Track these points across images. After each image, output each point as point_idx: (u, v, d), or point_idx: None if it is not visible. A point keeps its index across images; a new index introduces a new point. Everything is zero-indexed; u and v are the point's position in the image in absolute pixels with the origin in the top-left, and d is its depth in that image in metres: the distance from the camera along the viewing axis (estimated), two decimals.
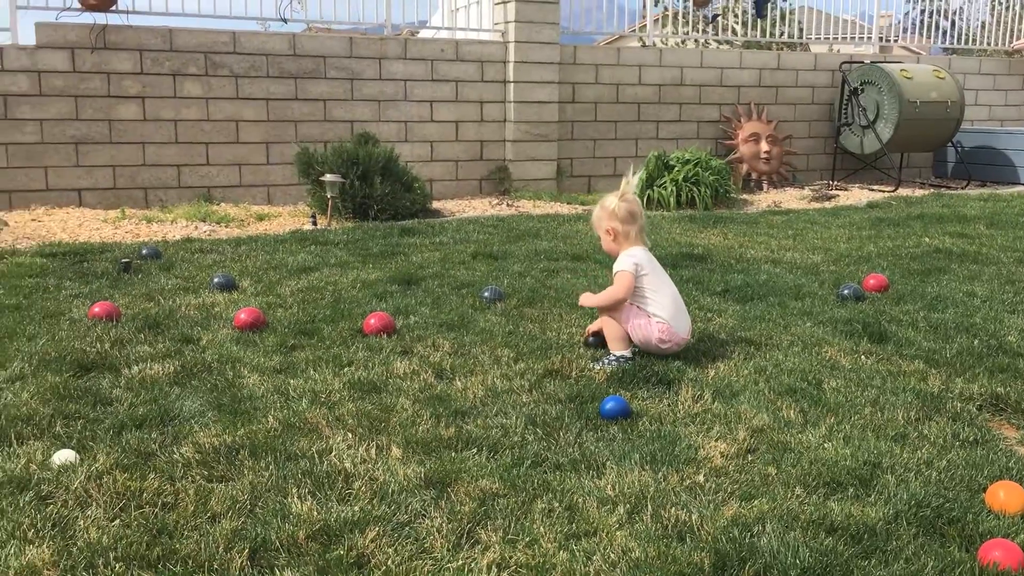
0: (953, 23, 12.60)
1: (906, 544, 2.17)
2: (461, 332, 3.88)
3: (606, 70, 9.22)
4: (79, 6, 7.29)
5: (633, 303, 3.55)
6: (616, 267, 3.57)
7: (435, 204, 7.99)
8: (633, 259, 3.53)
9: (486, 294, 4.46)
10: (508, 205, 8.14)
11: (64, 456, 2.56)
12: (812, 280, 4.96)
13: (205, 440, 2.71)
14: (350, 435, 2.78)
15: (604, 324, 3.60)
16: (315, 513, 2.27)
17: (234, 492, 2.38)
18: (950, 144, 10.26)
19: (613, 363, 3.46)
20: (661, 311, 3.52)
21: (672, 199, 7.97)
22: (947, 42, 12.27)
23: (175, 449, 2.65)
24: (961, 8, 13.18)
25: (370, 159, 7.03)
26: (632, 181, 3.59)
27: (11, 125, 7.16)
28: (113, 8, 7.39)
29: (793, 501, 2.36)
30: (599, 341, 3.69)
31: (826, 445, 2.73)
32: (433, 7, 10.16)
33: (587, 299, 3.65)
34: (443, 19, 9.87)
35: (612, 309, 3.55)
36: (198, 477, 2.48)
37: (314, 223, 6.90)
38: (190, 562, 2.06)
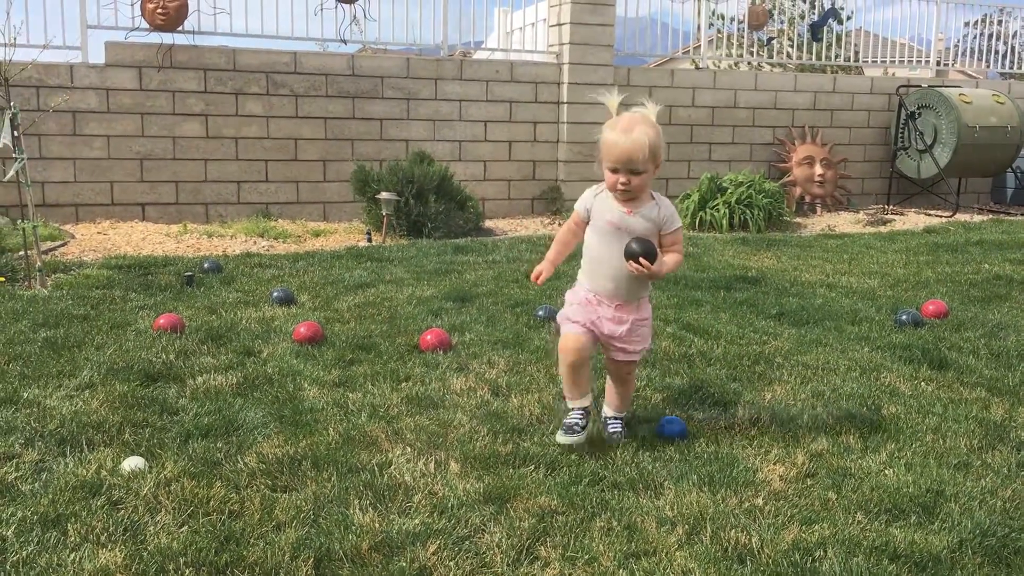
0: (1013, 48, 12.40)
1: (971, 573, 2.14)
2: (516, 350, 3.91)
3: (660, 92, 9.24)
4: (147, 26, 7.51)
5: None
6: (675, 220, 2.90)
7: (487, 223, 8.10)
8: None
9: (540, 312, 4.49)
10: (559, 225, 8.20)
11: (133, 463, 2.64)
12: (869, 305, 4.90)
13: (268, 450, 2.77)
14: (409, 449, 2.82)
15: (627, 380, 3.02)
16: (377, 525, 2.31)
17: (298, 502, 2.43)
18: (1010, 170, 10.09)
19: (621, 429, 2.99)
20: None
21: (724, 221, 7.95)
22: (1004, 66, 12.08)
23: (239, 458, 2.71)
24: (1018, 32, 12.99)
25: (425, 178, 7.19)
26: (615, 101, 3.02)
27: (80, 141, 7.45)
28: (180, 29, 7.59)
29: (854, 527, 2.34)
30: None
31: (887, 471, 2.70)
32: (489, 28, 10.28)
33: (663, 268, 2.84)
34: (498, 41, 9.98)
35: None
36: (262, 486, 2.54)
37: (369, 240, 7.02)
38: (257, 569, 2.10)
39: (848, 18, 11.59)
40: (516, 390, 3.40)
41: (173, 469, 2.61)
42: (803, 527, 2.34)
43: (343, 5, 8.15)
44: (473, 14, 10.15)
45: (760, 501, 2.49)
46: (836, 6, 10.71)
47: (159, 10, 7.43)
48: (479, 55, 10.05)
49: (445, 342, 3.91)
